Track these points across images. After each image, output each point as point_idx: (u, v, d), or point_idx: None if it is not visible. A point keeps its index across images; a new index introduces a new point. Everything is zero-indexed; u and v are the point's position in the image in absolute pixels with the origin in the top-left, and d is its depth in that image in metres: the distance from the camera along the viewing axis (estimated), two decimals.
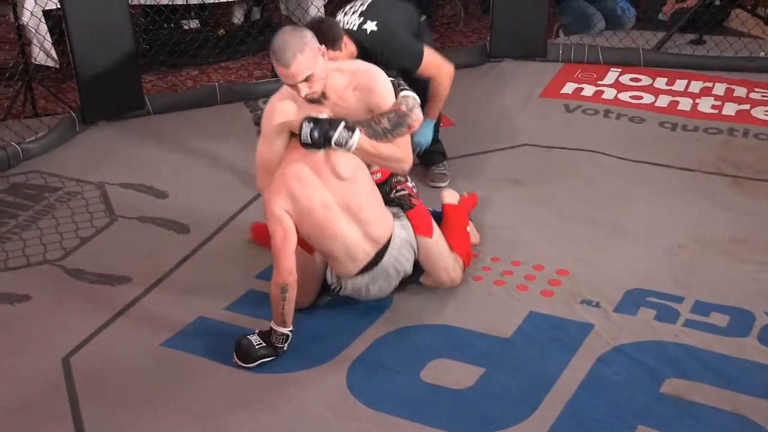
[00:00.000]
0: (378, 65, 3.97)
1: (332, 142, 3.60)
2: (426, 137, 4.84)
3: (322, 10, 7.22)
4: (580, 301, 4.13)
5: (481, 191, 5.02)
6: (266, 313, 3.98)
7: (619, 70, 6.67)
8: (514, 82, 6.49)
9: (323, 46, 3.65)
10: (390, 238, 3.89)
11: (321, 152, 3.68)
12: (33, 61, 6.19)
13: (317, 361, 3.77)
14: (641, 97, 6.25)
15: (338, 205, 3.76)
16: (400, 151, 3.85)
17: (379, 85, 3.83)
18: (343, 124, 3.62)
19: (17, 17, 6.01)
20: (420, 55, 4.61)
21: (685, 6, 7.08)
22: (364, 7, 4.64)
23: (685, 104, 6.13)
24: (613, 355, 3.77)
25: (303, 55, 3.51)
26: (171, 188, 5.14)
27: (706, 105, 6.11)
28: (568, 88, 6.40)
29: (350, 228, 3.79)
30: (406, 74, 4.50)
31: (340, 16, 4.64)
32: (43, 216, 4.88)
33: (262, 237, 4.34)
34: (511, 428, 3.42)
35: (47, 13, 6.28)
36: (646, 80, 6.52)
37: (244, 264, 4.43)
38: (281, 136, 3.82)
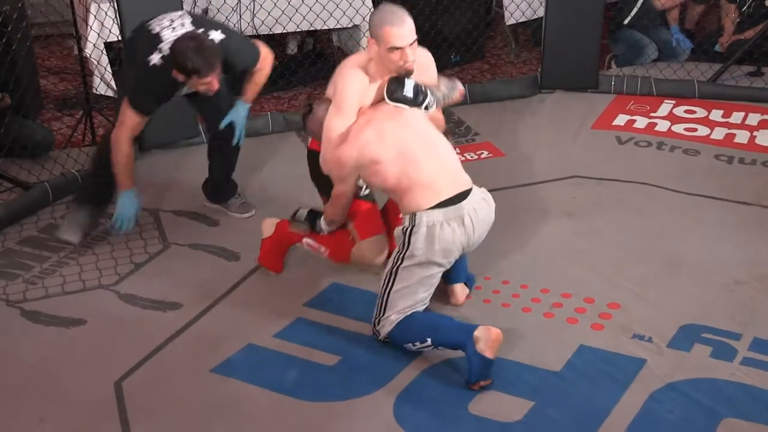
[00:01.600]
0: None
1: (424, 102, 4.00)
2: (241, 118, 4.90)
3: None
4: (631, 335, 4.08)
5: (531, 223, 5.03)
6: (315, 341, 4.06)
7: (673, 102, 6.62)
8: (565, 114, 6.47)
9: None
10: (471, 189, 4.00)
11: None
12: (94, 91, 6.26)
13: (365, 391, 3.76)
14: (696, 130, 6.20)
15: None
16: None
17: (432, 63, 4.28)
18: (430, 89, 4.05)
19: (81, 49, 6.08)
20: (258, 51, 4.75)
21: (742, 37, 7.01)
22: (188, 19, 4.62)
23: (742, 137, 6.07)
24: (666, 392, 3.73)
25: (410, 19, 3.90)
26: (222, 216, 5.17)
27: (764, 138, 6.05)
28: (621, 119, 6.36)
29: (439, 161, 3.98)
30: (247, 70, 4.75)
31: (165, 31, 4.53)
32: (99, 241, 4.94)
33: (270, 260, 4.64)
34: None
35: (108, 45, 6.36)
36: (701, 112, 6.46)
37: (294, 292, 4.44)
38: (356, 101, 4.02)
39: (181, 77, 4.36)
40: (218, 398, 3.75)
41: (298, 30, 6.97)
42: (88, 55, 6.17)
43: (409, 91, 3.95)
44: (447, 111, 6.24)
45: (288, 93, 7.07)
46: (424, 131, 4.01)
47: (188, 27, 4.51)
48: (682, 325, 4.13)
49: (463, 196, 3.91)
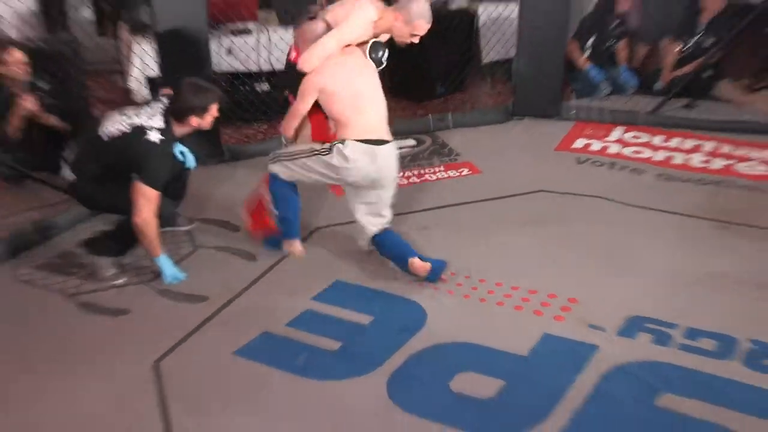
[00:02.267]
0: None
1: (381, 66, 4.57)
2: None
3: None
4: (587, 325, 4.08)
5: (504, 230, 5.03)
6: (321, 329, 4.05)
7: (623, 128, 6.64)
8: (533, 138, 6.49)
9: None
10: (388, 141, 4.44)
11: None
12: None
13: (362, 372, 3.77)
14: (641, 152, 6.22)
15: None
16: None
17: None
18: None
19: (126, 83, 6.08)
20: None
21: (679, 74, 7.02)
22: (129, 114, 4.33)
23: (678, 159, 6.09)
24: (615, 373, 3.73)
25: None
26: (242, 223, 5.13)
27: (696, 160, 6.06)
28: (579, 143, 6.39)
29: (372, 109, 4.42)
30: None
31: (132, 120, 4.26)
32: (139, 245, 4.88)
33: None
34: None
35: (151, 80, 6.36)
36: (645, 138, 6.49)
37: (302, 288, 4.44)
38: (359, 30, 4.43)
39: (195, 122, 4.27)
40: (240, 377, 3.75)
41: None
42: (131, 88, 6.18)
43: (382, 56, 4.52)
44: (434, 135, 6.32)
45: None
46: (375, 88, 4.48)
47: (128, 120, 4.26)
48: (629, 317, 4.13)
49: (382, 142, 4.37)
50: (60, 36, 7.01)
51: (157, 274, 4.57)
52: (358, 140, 4.34)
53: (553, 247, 4.84)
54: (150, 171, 4.16)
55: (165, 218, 4.47)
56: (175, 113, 4.25)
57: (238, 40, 6.59)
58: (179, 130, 4.30)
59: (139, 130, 4.18)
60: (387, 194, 4.54)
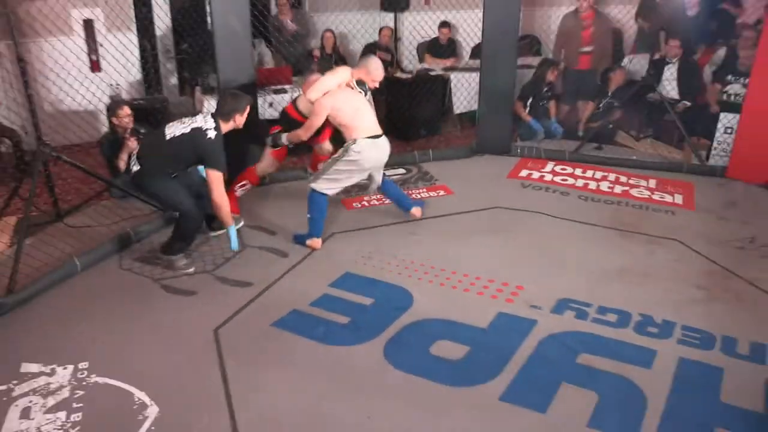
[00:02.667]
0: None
1: (366, 95, 4.91)
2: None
3: None
4: (530, 306, 4.04)
5: (470, 236, 4.96)
6: (335, 308, 3.99)
7: (554, 162, 6.57)
8: (490, 168, 6.40)
9: None
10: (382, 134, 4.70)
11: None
12: None
13: (365, 339, 3.73)
14: (567, 180, 6.14)
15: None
16: None
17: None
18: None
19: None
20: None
21: (592, 125, 7.02)
22: (185, 121, 4.28)
23: (592, 185, 6.01)
24: (549, 340, 3.71)
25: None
26: (277, 229, 5.09)
27: (604, 186, 5.98)
28: (524, 173, 6.30)
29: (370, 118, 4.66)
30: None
31: (193, 123, 4.23)
32: (204, 244, 4.87)
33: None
34: (487, 383, 3.37)
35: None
36: (569, 170, 6.40)
37: (322, 276, 4.38)
38: (342, 80, 4.72)
39: (237, 119, 4.27)
40: (275, 342, 3.70)
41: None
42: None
43: (365, 88, 4.85)
44: (419, 166, 6.28)
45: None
46: (366, 105, 4.71)
47: (186, 125, 4.22)
48: (560, 299, 4.10)
49: (378, 136, 4.65)
50: (155, 96, 7.02)
51: (217, 265, 4.52)
52: (364, 138, 4.55)
53: (506, 248, 4.78)
54: (214, 159, 4.15)
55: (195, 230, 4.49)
56: (222, 115, 4.25)
57: (278, 97, 6.53)
58: (224, 126, 4.26)
59: (199, 131, 4.16)
60: (381, 169, 4.90)
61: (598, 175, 6.26)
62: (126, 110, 5.45)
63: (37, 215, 5.15)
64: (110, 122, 5.51)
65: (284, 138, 4.91)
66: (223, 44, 5.31)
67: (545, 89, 7.20)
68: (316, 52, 7.43)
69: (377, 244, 4.81)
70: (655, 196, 5.77)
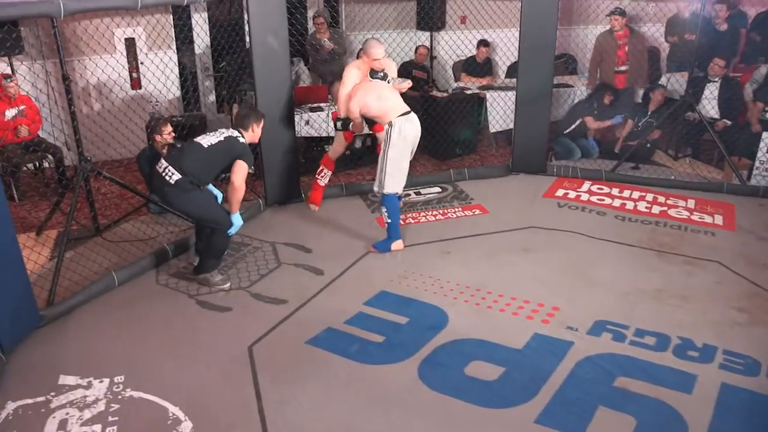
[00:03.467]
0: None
1: (386, 79, 4.97)
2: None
3: None
4: (566, 327, 3.99)
5: (505, 255, 4.93)
6: (369, 326, 3.98)
7: (591, 182, 6.50)
8: (526, 188, 6.35)
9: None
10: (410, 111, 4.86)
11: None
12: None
13: (400, 358, 3.71)
14: (604, 200, 6.06)
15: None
16: None
17: (394, 66, 5.22)
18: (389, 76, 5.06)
19: None
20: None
21: (631, 144, 6.93)
22: (216, 133, 4.47)
23: (629, 205, 5.93)
24: (585, 362, 3.66)
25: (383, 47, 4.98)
26: (314, 246, 5.12)
27: (641, 206, 5.90)
28: (560, 192, 6.24)
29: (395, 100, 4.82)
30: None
31: (222, 133, 4.44)
32: (240, 260, 4.91)
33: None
34: (522, 405, 3.33)
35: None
36: (606, 189, 6.32)
37: (357, 295, 4.38)
38: (353, 82, 4.99)
39: (253, 129, 4.52)
40: (309, 360, 3.71)
41: (364, 133, 6.95)
42: None
43: (378, 75, 4.92)
44: (454, 185, 6.26)
45: (355, 171, 7.03)
46: (386, 89, 4.86)
47: (219, 134, 4.44)
48: (596, 320, 4.04)
49: (408, 112, 4.81)
50: (193, 113, 7.14)
51: (253, 282, 4.56)
52: (396, 117, 4.75)
53: (541, 268, 4.73)
54: (247, 157, 4.38)
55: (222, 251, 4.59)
56: (242, 125, 4.50)
57: (314, 115, 6.59)
58: (246, 135, 4.49)
59: (232, 138, 4.41)
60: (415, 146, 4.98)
61: (636, 195, 6.18)
62: (169, 127, 5.57)
63: (77, 229, 5.26)
64: (151, 138, 5.62)
65: (351, 125, 5.10)
66: (261, 62, 5.38)
67: (596, 113, 7.16)
68: None
69: (412, 263, 4.80)
70: (694, 217, 5.67)
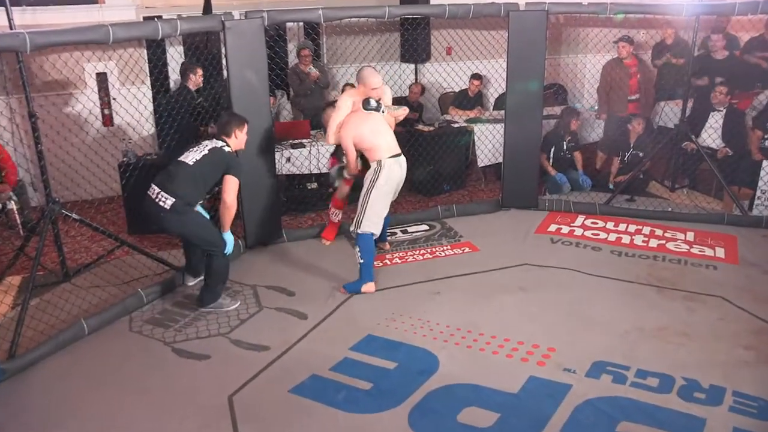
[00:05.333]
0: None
1: (380, 110, 5.07)
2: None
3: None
4: (563, 369, 3.99)
5: (497, 294, 4.95)
6: (359, 372, 3.96)
7: (584, 216, 6.55)
8: (517, 223, 6.40)
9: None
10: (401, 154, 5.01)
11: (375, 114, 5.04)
12: None
13: (389, 406, 3.68)
14: (598, 234, 6.11)
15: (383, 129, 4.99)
16: None
17: (389, 94, 5.37)
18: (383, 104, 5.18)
19: None
20: None
21: (622, 179, 7.01)
22: (200, 148, 4.63)
23: (626, 239, 5.98)
24: (584, 406, 3.65)
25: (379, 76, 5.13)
26: (297, 289, 5.11)
27: (638, 240, 5.95)
28: (552, 227, 6.29)
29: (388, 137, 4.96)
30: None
31: (208, 146, 4.62)
32: (219, 307, 4.84)
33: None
34: None
35: None
36: (601, 223, 6.38)
37: (342, 339, 4.37)
38: (347, 110, 5.08)
39: (237, 135, 4.68)
40: (294, 410, 3.67)
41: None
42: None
43: (372, 105, 5.03)
44: (442, 222, 6.27)
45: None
46: (381, 123, 4.99)
47: (203, 148, 4.60)
48: (594, 361, 4.05)
49: (399, 155, 4.96)
50: (167, 152, 7.11)
51: (232, 327, 4.54)
52: (387, 158, 4.89)
53: (535, 307, 4.75)
54: (235, 167, 4.55)
55: (194, 272, 5.01)
56: (224, 132, 4.66)
57: (296, 152, 6.60)
58: (230, 142, 4.65)
59: (217, 149, 4.57)
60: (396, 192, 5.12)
61: (632, 228, 6.24)
62: (200, 70, 5.98)
63: (44, 275, 5.21)
64: (185, 81, 6.03)
65: (345, 172, 5.34)
66: (239, 98, 5.43)
67: (568, 139, 7.23)
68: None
69: (400, 305, 4.80)
70: (694, 250, 5.73)
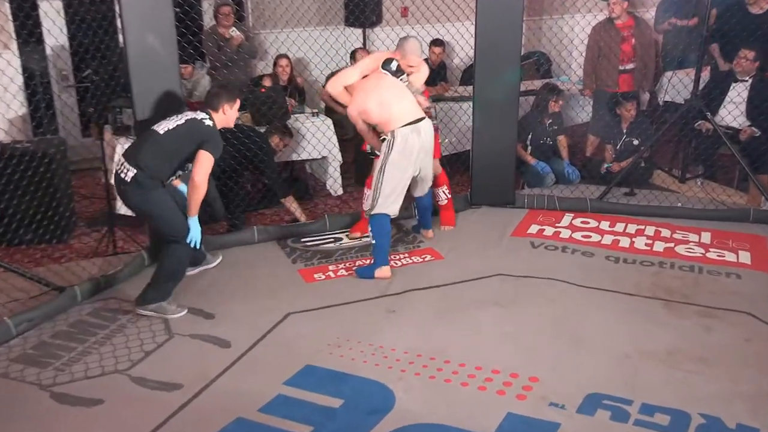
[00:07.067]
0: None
1: (400, 76, 5.53)
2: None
3: (338, 170, 7.21)
4: (548, 403, 3.99)
5: (466, 312, 4.95)
6: (295, 413, 3.92)
7: (572, 215, 6.63)
8: (490, 224, 6.43)
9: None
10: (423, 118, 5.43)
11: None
12: (116, 211, 6.15)
13: None
14: (590, 236, 6.18)
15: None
16: None
17: (425, 73, 5.83)
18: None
19: (107, 179, 6.01)
20: None
21: (620, 167, 7.08)
22: (175, 117, 4.88)
23: (624, 242, 6.06)
24: None
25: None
26: (217, 310, 5.03)
27: (640, 243, 6.04)
28: (533, 229, 6.34)
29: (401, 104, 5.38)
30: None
31: (186, 115, 4.89)
32: (117, 334, 4.78)
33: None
34: None
35: None
36: (593, 223, 6.46)
37: (275, 372, 4.30)
38: (363, 68, 5.60)
39: (225, 110, 4.87)
40: None
41: (279, 161, 6.92)
42: (112, 184, 6.10)
43: (392, 67, 5.46)
44: (398, 224, 6.25)
45: (271, 210, 6.96)
46: (396, 88, 5.42)
47: (181, 117, 4.86)
48: (588, 394, 4.04)
49: (418, 120, 5.32)
50: (47, 138, 6.96)
51: (134, 362, 4.45)
52: (400, 127, 5.24)
53: (514, 327, 4.76)
54: (213, 144, 4.75)
55: (192, 260, 5.22)
56: (210, 104, 4.88)
57: None
58: (215, 117, 4.86)
59: (195, 120, 4.81)
60: (430, 160, 5.60)
61: (632, 228, 6.32)
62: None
63: None
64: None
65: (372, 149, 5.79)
66: (140, 69, 5.32)
67: (548, 122, 7.28)
68: (267, 81, 7.47)
69: (347, 327, 4.77)
70: (712, 254, 5.82)
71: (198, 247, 4.91)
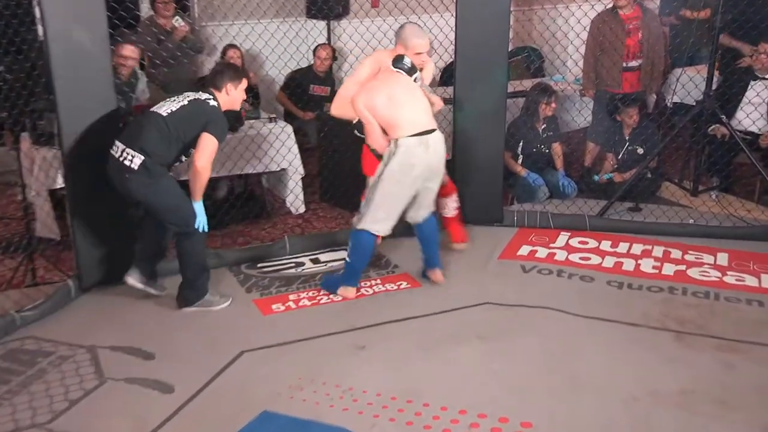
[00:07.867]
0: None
1: (413, 75, 5.50)
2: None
3: (300, 185, 7.18)
4: None
5: (448, 347, 4.95)
6: None
7: (569, 233, 6.66)
8: (475, 245, 6.44)
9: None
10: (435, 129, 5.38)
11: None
12: (36, 234, 6.08)
13: None
14: (589, 258, 6.22)
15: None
16: None
17: (432, 69, 6.04)
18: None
19: (25, 197, 5.94)
20: None
21: (622, 179, 7.12)
22: (180, 98, 5.18)
23: (629, 265, 6.09)
24: None
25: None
26: (158, 349, 4.98)
27: (647, 266, 6.07)
28: (524, 250, 6.36)
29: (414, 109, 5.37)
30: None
31: (187, 97, 5.16)
32: (35, 380, 4.68)
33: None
34: None
35: (52, 192, 6.29)
36: (592, 243, 6.49)
37: (226, 421, 4.24)
38: (367, 71, 5.63)
39: (229, 90, 5.19)
40: None
41: (229, 174, 6.89)
42: (31, 201, 6.04)
43: (406, 64, 5.46)
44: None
45: (221, 231, 6.91)
46: (409, 89, 5.41)
47: (183, 98, 5.15)
48: None
49: (428, 132, 5.28)
50: None
51: (56, 413, 4.35)
52: (406, 136, 5.23)
53: (502, 364, 4.75)
54: (217, 126, 5.06)
55: (162, 249, 5.55)
56: (213, 84, 5.20)
57: None
58: (219, 97, 5.16)
59: (199, 101, 5.10)
60: (436, 183, 5.53)
61: (637, 249, 6.37)
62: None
63: None
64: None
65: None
66: (63, 67, 5.25)
67: (541, 128, 7.31)
68: None
69: (310, 367, 4.75)
70: (729, 279, 5.86)
71: (206, 230, 5.24)
